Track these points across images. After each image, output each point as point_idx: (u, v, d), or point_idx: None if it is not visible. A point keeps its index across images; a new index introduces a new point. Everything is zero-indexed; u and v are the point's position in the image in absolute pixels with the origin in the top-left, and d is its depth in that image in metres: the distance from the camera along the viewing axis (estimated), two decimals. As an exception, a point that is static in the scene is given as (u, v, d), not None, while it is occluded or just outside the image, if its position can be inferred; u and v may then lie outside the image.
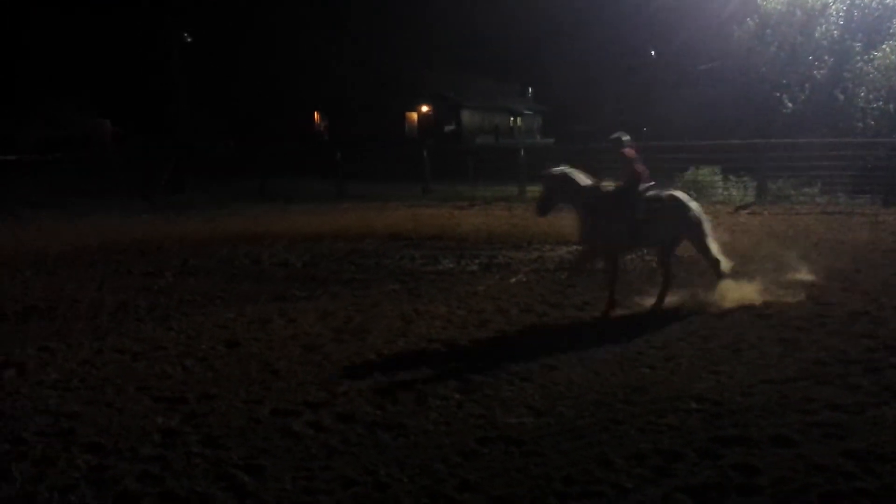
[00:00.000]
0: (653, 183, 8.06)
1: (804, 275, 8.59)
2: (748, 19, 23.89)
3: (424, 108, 45.41)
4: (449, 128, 44.10)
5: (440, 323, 7.56)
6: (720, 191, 19.05)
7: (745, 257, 10.68)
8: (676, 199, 8.00)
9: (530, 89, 56.86)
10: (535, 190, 20.94)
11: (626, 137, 8.16)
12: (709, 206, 17.62)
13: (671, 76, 33.19)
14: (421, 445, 4.70)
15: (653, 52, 40.61)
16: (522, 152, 22.37)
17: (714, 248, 8.02)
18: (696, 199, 8.02)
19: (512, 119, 51.49)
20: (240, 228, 15.08)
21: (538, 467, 4.35)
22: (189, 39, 31.70)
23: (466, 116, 45.75)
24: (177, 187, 22.92)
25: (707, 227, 8.03)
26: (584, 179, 8.06)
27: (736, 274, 8.14)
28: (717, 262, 7.95)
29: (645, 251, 9.98)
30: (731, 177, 19.27)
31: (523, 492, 4.09)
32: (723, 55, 25.34)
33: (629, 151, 8.09)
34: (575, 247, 12.21)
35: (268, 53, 44.34)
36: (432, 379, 5.87)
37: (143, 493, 4.16)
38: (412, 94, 44.70)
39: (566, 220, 15.75)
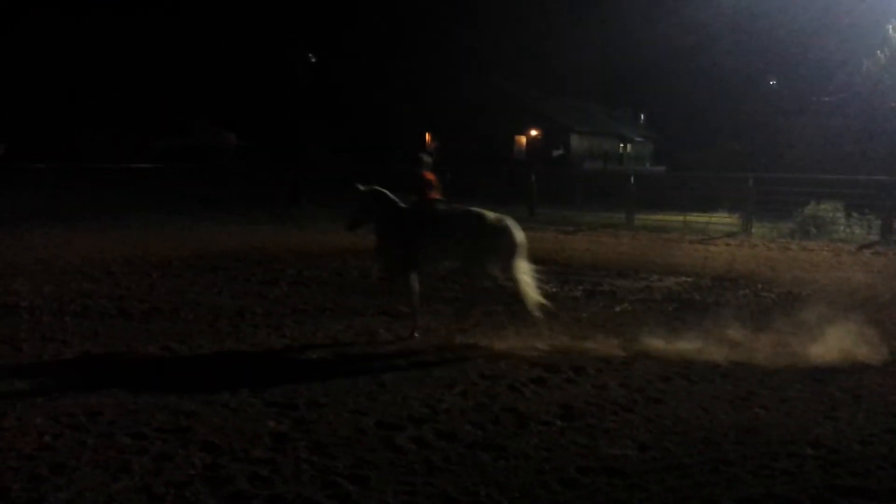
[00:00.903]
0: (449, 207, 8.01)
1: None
2: (878, 52, 22.82)
3: (533, 132, 45.39)
4: (557, 152, 43.90)
5: (542, 347, 7.52)
6: (842, 228, 18.16)
7: (869, 299, 10.16)
8: (477, 217, 7.57)
9: (642, 116, 55.98)
10: (644, 218, 20.66)
11: (427, 159, 8.24)
12: (829, 243, 16.91)
13: (791, 106, 32.02)
14: (521, 469, 4.68)
15: (773, 82, 39.28)
16: (632, 179, 22.06)
17: (524, 278, 7.63)
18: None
19: (622, 145, 50.77)
20: (350, 243, 15.42)
21: (642, 503, 4.26)
22: (313, 60, 33.00)
23: (575, 141, 45.45)
24: (294, 199, 23.80)
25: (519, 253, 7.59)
26: (390, 200, 7.97)
27: (854, 318, 7.73)
28: (527, 294, 7.59)
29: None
30: (854, 214, 18.34)
31: (626, 526, 4.03)
32: (848, 86, 24.30)
33: (428, 174, 8.07)
34: (683, 278, 11.94)
35: (385, 75, 45.62)
36: (533, 403, 5.86)
37: (254, 495, 4.29)
38: (522, 117, 44.81)
39: (674, 249, 15.45)
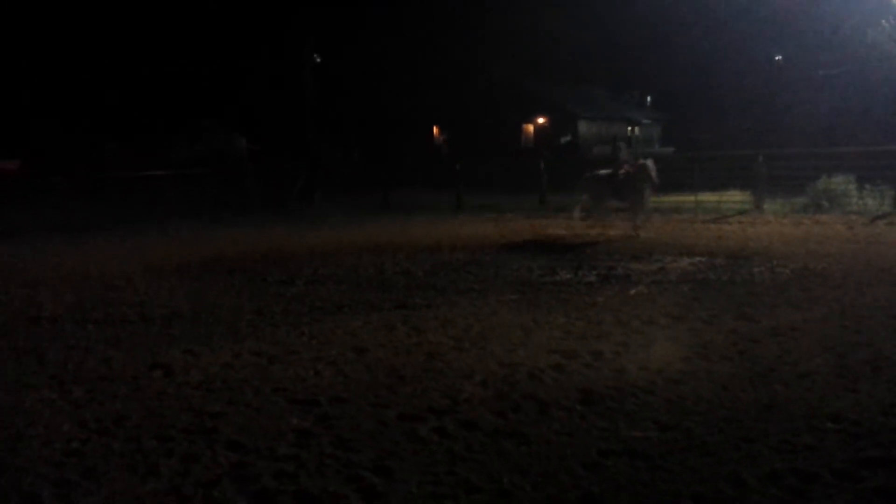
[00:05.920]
0: None
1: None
2: (883, 21, 22.63)
3: (541, 120, 45.26)
4: (565, 139, 43.79)
5: (559, 333, 7.55)
6: (855, 200, 18.06)
7: (885, 270, 10.12)
8: None
9: (649, 98, 55.69)
10: (655, 200, 20.59)
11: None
12: (842, 216, 16.82)
13: (798, 80, 31.83)
14: (543, 455, 4.72)
15: (778, 57, 39.00)
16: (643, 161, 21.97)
17: None
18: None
19: (630, 129, 50.53)
20: (364, 239, 15.56)
21: (665, 483, 4.29)
22: (318, 60, 32.98)
23: (583, 127, 45.25)
24: (307, 199, 23.93)
25: None
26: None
27: (870, 291, 7.71)
28: None
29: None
30: (867, 185, 18.23)
31: (650, 506, 4.06)
32: (854, 59, 24.16)
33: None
34: (698, 258, 11.92)
35: (389, 71, 45.70)
36: (553, 389, 5.89)
37: (280, 491, 4.35)
38: (529, 106, 44.68)
39: (687, 230, 15.41)
